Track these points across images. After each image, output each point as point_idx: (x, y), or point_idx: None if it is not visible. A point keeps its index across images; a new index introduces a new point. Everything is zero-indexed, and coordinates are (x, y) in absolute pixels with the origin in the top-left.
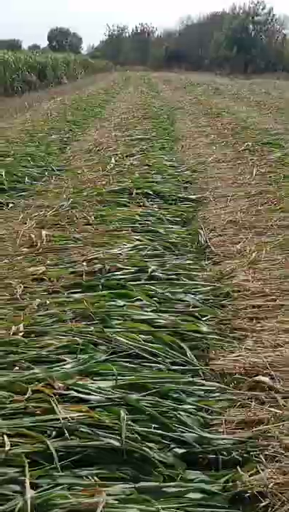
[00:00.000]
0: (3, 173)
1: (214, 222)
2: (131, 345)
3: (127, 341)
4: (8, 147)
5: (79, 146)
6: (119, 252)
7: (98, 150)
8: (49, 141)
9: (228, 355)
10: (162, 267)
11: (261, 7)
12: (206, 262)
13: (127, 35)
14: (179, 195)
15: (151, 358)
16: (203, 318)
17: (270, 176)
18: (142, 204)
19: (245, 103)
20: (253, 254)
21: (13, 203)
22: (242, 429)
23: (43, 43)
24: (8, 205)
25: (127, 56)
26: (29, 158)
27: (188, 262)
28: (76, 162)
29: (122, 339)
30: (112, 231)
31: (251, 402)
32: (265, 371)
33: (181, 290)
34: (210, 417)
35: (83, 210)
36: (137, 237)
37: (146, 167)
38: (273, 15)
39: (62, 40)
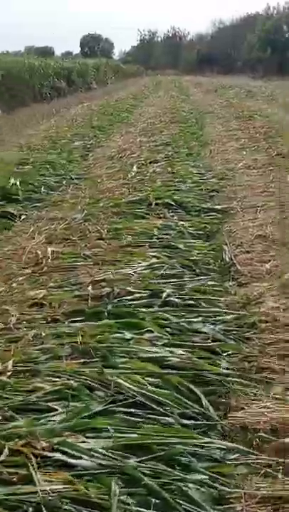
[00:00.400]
0: (18, 183)
1: (241, 237)
2: (135, 391)
3: (130, 386)
4: (29, 154)
5: (102, 153)
6: (132, 272)
7: (121, 157)
8: (72, 148)
9: (253, 405)
10: (180, 290)
11: None
12: (231, 283)
13: (158, 39)
14: (204, 205)
15: (158, 408)
16: (224, 354)
17: None
18: (161, 215)
19: (280, 105)
20: (285, 276)
21: (26, 214)
22: (266, 507)
23: (76, 49)
24: (20, 217)
25: (158, 60)
26: (48, 166)
27: (210, 283)
28: (97, 170)
29: (124, 383)
30: (126, 246)
31: (279, 470)
32: None
33: (199, 319)
34: (226, 489)
35: (97, 222)
36: (153, 254)
37: (170, 174)
38: None
39: (94, 46)
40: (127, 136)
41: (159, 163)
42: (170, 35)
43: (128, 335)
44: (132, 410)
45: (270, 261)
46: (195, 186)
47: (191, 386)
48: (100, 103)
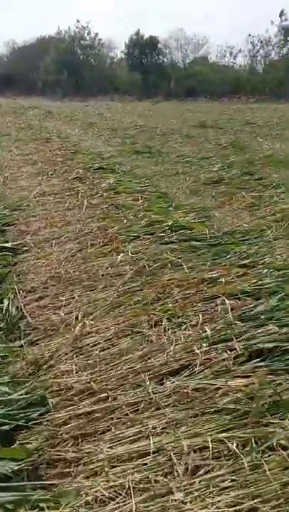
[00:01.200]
0: None
1: (33, 279)
2: None
3: None
4: None
5: None
6: None
7: None
8: None
9: None
10: None
11: (86, 32)
12: (21, 342)
13: None
14: None
15: None
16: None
17: (102, 208)
18: None
19: (78, 126)
20: (77, 327)
21: None
22: None
23: None
24: None
25: None
26: None
27: None
28: None
29: None
30: None
31: None
32: None
33: None
34: None
35: None
36: None
37: None
38: (99, 39)
39: None
40: None
41: None
42: None
43: None
44: None
45: (63, 306)
46: None
47: None
48: None
